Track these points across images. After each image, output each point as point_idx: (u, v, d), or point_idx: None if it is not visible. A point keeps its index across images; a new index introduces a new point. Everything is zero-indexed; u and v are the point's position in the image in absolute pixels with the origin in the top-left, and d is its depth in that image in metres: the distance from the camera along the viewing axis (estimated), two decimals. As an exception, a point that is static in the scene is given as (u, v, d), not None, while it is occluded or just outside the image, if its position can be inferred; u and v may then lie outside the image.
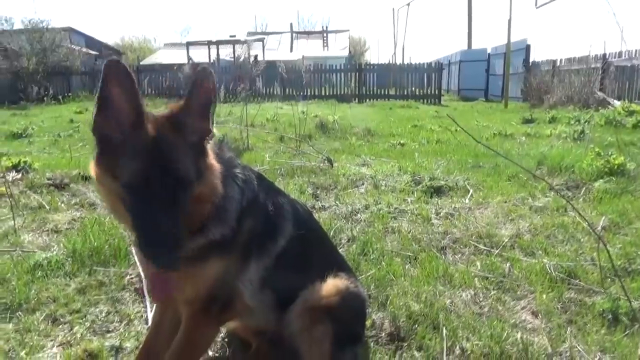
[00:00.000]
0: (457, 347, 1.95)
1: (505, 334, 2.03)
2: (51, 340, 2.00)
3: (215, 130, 1.42)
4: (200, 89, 1.34)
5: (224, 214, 1.48)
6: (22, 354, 1.87)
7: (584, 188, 4.36)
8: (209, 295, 1.48)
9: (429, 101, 19.08)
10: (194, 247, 1.41)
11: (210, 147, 1.45)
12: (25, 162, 4.97)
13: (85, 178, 4.67)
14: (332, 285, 1.64)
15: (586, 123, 8.86)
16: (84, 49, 25.79)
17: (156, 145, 1.27)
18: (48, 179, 4.49)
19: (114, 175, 1.27)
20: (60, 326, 2.12)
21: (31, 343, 1.95)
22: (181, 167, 1.29)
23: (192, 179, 1.32)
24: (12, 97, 17.69)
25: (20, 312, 2.20)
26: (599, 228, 3.21)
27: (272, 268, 1.59)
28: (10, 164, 4.87)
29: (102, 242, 2.86)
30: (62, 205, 3.88)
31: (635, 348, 1.90)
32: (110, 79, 1.24)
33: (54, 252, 2.82)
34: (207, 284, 1.46)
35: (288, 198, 1.80)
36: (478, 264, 2.79)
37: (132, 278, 2.53)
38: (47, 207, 3.77)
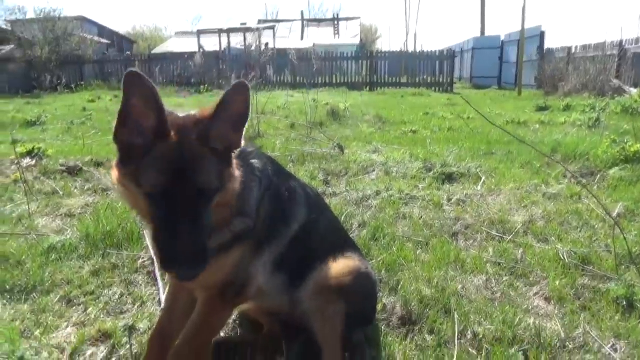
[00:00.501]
0: (469, 332, 1.94)
1: (518, 319, 2.02)
2: (66, 321, 2.03)
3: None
4: (234, 100, 1.30)
5: (246, 207, 1.48)
6: (37, 333, 1.90)
7: (598, 175, 4.30)
8: (226, 280, 1.48)
9: (440, 89, 18.88)
10: (220, 242, 1.42)
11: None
12: (39, 149, 5.02)
13: (98, 164, 4.71)
14: (343, 265, 1.65)
15: (601, 111, 8.70)
16: (96, 38, 25.88)
17: (179, 155, 1.24)
18: (61, 165, 4.54)
19: (137, 182, 1.25)
20: (75, 307, 2.14)
21: (46, 323, 1.98)
22: (204, 179, 1.25)
23: (215, 189, 1.29)
24: (26, 85, 17.87)
25: (35, 294, 2.24)
26: (615, 215, 3.16)
27: (286, 252, 1.59)
28: (25, 151, 4.93)
29: (115, 226, 2.89)
30: (75, 190, 3.92)
31: (650, 334, 1.87)
32: (131, 91, 1.21)
33: (68, 236, 2.85)
34: (226, 270, 1.47)
35: (299, 182, 1.79)
36: (490, 250, 2.77)
37: (144, 261, 2.55)
38: (61, 193, 3.81)
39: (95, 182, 4.14)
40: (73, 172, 4.42)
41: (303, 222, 1.65)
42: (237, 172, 1.40)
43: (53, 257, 2.59)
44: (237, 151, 1.39)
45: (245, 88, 1.31)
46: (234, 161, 1.40)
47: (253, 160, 1.57)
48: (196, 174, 1.24)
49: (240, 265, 1.50)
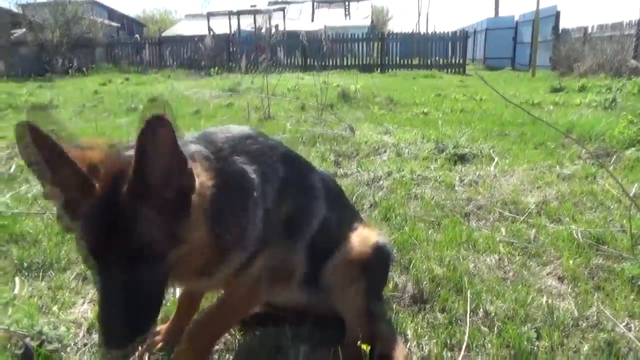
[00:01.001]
0: (481, 310, 1.94)
1: (530, 298, 2.01)
2: (82, 297, 2.07)
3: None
4: (154, 146, 1.02)
5: (241, 240, 1.31)
6: (55, 308, 1.94)
7: (614, 156, 4.23)
8: (256, 278, 1.44)
9: (453, 71, 18.62)
10: (221, 276, 1.33)
11: (199, 154, 1.26)
12: (52, 131, 5.06)
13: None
14: (364, 237, 1.66)
15: (618, 91, 8.52)
16: (106, 21, 25.85)
17: (104, 213, 1.04)
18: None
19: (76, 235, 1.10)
20: (90, 285, 2.18)
21: (63, 299, 2.01)
22: (136, 240, 1.04)
23: (160, 249, 1.08)
24: (37, 69, 17.96)
25: (51, 271, 2.27)
26: (631, 195, 3.11)
27: (309, 245, 1.56)
28: (38, 133, 4.97)
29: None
30: (89, 171, 3.95)
31: (665, 313, 1.85)
32: (26, 146, 1.03)
33: (82, 216, 2.88)
34: (254, 275, 1.41)
35: (316, 172, 1.71)
36: (503, 230, 2.75)
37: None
38: (75, 174, 3.85)
39: (108, 163, 4.17)
40: (86, 153, 4.46)
41: (322, 218, 1.60)
42: (203, 218, 1.16)
43: (68, 236, 2.62)
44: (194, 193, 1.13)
45: (159, 124, 1.00)
46: (205, 194, 1.18)
47: (243, 168, 1.35)
48: (125, 235, 1.03)
49: (268, 265, 1.43)
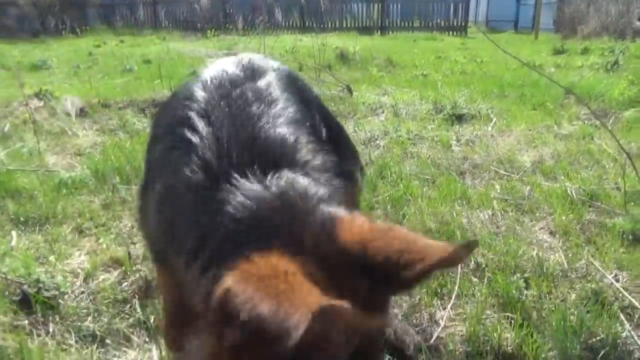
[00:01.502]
0: (472, 262, 1.97)
1: (521, 251, 2.04)
2: (78, 249, 2.09)
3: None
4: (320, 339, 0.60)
5: None
6: (52, 259, 1.96)
7: (613, 117, 4.21)
8: None
9: (454, 33, 18.24)
10: None
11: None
12: (46, 90, 5.00)
13: (105, 106, 4.69)
14: None
15: (621, 54, 8.39)
16: (99, -19, 25.09)
17: None
18: (70, 106, 4.53)
19: None
20: (87, 237, 2.20)
21: (59, 251, 2.04)
22: None
23: None
24: (31, 29, 17.58)
25: (48, 225, 2.29)
26: (624, 153, 3.11)
27: None
28: (32, 92, 4.91)
29: (124, 163, 2.91)
30: (84, 130, 3.93)
31: (654, 265, 1.88)
32: None
33: (78, 172, 2.88)
34: None
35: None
36: (497, 187, 2.76)
37: (153, 196, 2.59)
38: (69, 132, 3.82)
39: (103, 122, 4.14)
40: (81, 113, 4.42)
41: None
42: None
43: (64, 191, 2.63)
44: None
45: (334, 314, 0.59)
46: None
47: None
48: None
49: None
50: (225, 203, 0.82)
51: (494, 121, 4.13)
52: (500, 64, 7.39)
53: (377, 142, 3.59)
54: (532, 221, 2.38)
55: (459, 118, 4.22)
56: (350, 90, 5.23)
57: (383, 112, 4.53)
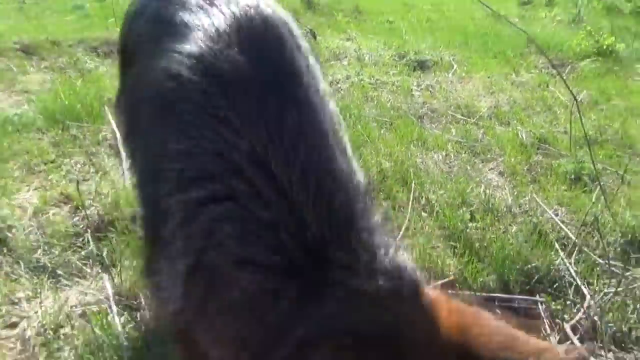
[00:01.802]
0: (423, 198, 2.04)
1: (470, 188, 2.12)
2: (27, 185, 2.03)
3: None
4: None
5: None
6: (-2, 194, 1.91)
7: (569, 67, 4.31)
8: None
9: (423, -17, 17.95)
10: None
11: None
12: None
13: (55, 44, 4.44)
14: None
15: (582, 7, 8.49)
16: None
17: None
18: (15, 43, 4.25)
19: None
20: (36, 174, 2.14)
21: (6, 187, 1.98)
22: None
23: None
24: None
25: (-6, 162, 2.21)
26: (576, 101, 3.22)
27: None
28: (-27, 28, 4.57)
29: (74, 101, 2.79)
30: (31, 68, 3.72)
31: (590, 202, 2.00)
32: None
33: (25, 110, 2.76)
34: None
35: None
36: (453, 130, 2.83)
37: (106, 134, 2.52)
38: (15, 70, 3.61)
39: (51, 60, 3.93)
40: (28, 50, 4.17)
41: None
42: None
43: (10, 129, 2.51)
44: None
45: None
46: None
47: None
48: None
49: None
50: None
51: (454, 68, 4.16)
52: (466, 14, 7.35)
53: (339, 85, 3.56)
54: (483, 162, 2.46)
55: (422, 65, 4.22)
56: (314, 35, 5.11)
57: (346, 57, 4.47)
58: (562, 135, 2.76)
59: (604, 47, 4.57)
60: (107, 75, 3.33)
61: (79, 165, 2.23)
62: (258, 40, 0.91)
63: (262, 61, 0.88)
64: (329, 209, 0.74)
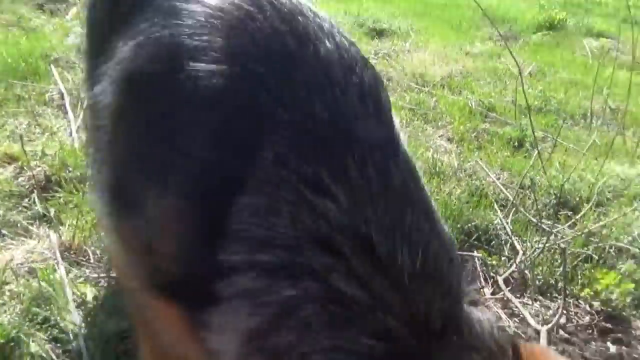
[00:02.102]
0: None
1: (419, 153, 2.20)
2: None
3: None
4: None
5: None
6: None
7: (521, 40, 4.45)
8: None
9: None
10: None
11: None
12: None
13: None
14: None
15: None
16: None
17: None
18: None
19: None
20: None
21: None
22: None
23: None
24: None
25: None
26: (526, 72, 3.35)
27: None
28: None
29: (18, 60, 2.67)
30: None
31: (529, 166, 2.12)
32: None
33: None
34: None
35: None
36: (407, 98, 2.89)
37: (53, 94, 2.43)
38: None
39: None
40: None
41: None
42: None
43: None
44: None
45: None
46: None
47: None
48: None
49: None
50: None
51: (412, 38, 4.21)
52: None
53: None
54: (434, 129, 2.55)
55: (380, 33, 4.25)
56: None
57: (306, 23, 4.44)
58: (509, 105, 2.88)
59: (556, 21, 4.74)
60: (54, 34, 3.19)
61: (24, 126, 2.15)
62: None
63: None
64: (438, 285, 0.63)
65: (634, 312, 1.46)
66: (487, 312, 0.67)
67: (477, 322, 0.63)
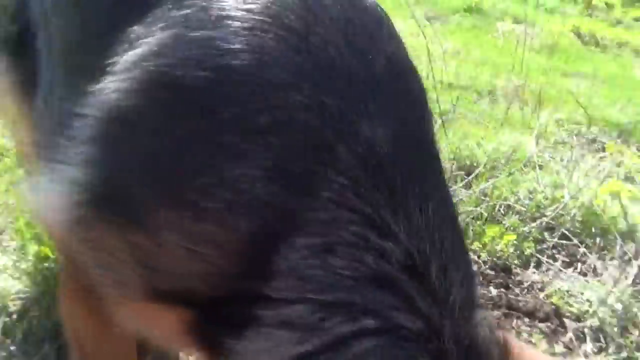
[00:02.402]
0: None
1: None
2: None
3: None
4: None
5: None
6: None
7: (441, 20, 4.67)
8: None
9: None
10: None
11: None
12: None
13: None
14: None
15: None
16: None
17: None
18: None
19: None
20: None
21: None
22: None
23: None
24: None
25: None
26: (442, 50, 3.54)
27: None
28: None
29: None
30: None
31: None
32: None
33: None
34: None
35: None
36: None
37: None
38: None
39: None
40: None
41: None
42: None
43: None
44: None
45: None
46: None
47: None
48: None
49: None
50: None
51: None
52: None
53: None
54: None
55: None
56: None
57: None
58: (425, 81, 3.03)
59: (473, 4, 5.02)
60: None
61: None
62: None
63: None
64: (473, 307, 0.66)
65: (515, 261, 1.64)
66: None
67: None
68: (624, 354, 1.36)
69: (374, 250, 0.58)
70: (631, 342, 1.40)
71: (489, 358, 0.60)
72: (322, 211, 0.59)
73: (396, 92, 0.70)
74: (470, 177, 1.84)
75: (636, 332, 1.42)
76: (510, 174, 1.83)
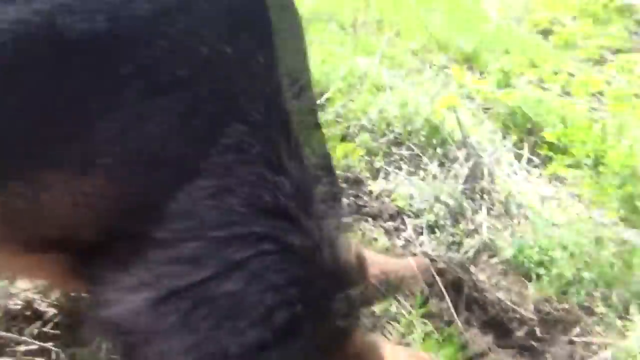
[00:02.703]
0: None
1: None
2: None
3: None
4: None
5: None
6: None
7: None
8: None
9: None
10: None
11: None
12: None
13: None
14: None
15: None
16: None
17: None
18: None
19: None
20: None
21: None
22: None
23: None
24: None
25: None
26: None
27: None
28: None
29: None
30: None
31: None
32: None
33: None
34: None
35: None
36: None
37: None
38: None
39: None
40: None
41: None
42: None
43: None
44: None
45: None
46: None
47: None
48: None
49: None
50: None
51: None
52: None
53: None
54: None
55: None
56: None
57: None
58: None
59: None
60: None
61: None
62: None
63: None
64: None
65: (367, 174, 1.77)
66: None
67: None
68: (456, 239, 1.57)
69: (271, 185, 0.62)
70: (461, 230, 1.61)
71: (349, 263, 0.70)
72: (220, 156, 0.61)
73: (284, 32, 0.71)
74: (322, 99, 1.92)
75: (464, 223, 1.64)
76: (359, 93, 1.93)
